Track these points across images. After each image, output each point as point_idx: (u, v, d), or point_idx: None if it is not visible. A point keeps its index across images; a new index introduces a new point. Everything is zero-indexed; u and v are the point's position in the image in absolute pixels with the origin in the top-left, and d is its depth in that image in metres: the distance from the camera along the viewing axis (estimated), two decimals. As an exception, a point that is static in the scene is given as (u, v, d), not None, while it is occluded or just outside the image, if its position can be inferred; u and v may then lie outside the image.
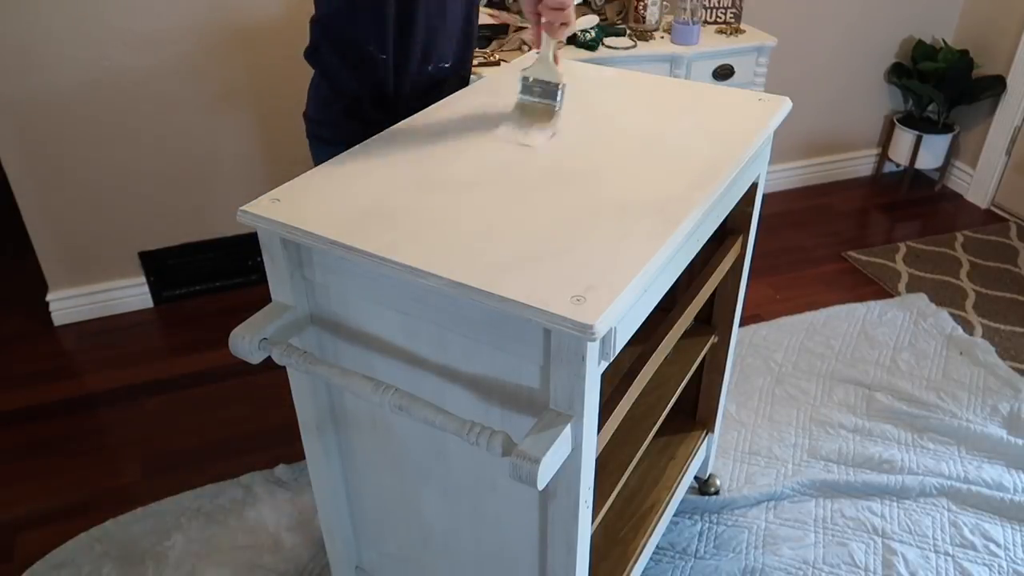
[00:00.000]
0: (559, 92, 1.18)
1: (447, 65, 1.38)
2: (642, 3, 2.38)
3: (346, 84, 1.34)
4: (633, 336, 0.97)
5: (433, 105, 1.31)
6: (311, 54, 1.36)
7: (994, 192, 3.05)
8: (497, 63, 2.12)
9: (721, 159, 1.12)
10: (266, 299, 1.07)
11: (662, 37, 2.40)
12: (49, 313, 2.43)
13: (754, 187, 1.36)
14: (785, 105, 1.30)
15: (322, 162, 1.40)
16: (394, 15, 1.26)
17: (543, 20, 1.16)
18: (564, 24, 1.15)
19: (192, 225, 2.48)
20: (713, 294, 1.53)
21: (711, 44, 2.35)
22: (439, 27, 1.33)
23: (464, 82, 1.47)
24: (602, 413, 1.02)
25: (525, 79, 1.20)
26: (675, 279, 1.07)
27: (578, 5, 2.42)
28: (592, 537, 1.10)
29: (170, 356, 2.30)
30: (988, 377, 2.18)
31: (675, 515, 1.79)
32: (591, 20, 2.37)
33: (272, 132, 2.42)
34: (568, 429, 0.87)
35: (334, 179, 1.06)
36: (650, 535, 1.49)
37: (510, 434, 0.86)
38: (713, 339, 1.56)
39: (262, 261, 1.06)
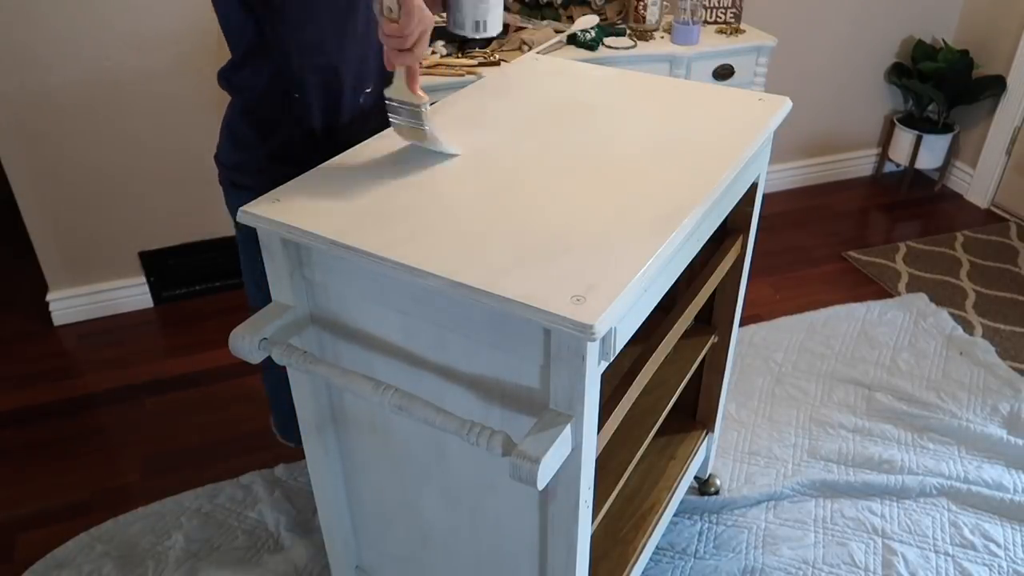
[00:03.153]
0: (421, 112, 1.10)
1: (368, 91, 1.29)
2: (642, 3, 2.38)
3: (277, 123, 1.22)
4: (633, 336, 0.97)
5: (433, 105, 1.31)
6: (231, 74, 1.22)
7: (994, 192, 3.05)
8: (497, 63, 2.12)
9: (721, 159, 1.12)
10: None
11: (662, 37, 2.40)
12: (49, 313, 2.43)
13: (754, 187, 1.36)
14: (785, 105, 1.30)
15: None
16: (311, 45, 1.17)
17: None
18: (404, 51, 1.03)
19: (192, 225, 2.48)
20: (713, 294, 1.53)
21: (711, 44, 2.35)
22: (365, 54, 1.24)
23: (383, 110, 1.35)
24: (602, 413, 1.02)
25: (389, 100, 1.12)
26: (675, 279, 1.07)
27: (578, 5, 2.42)
28: (592, 537, 1.10)
29: (170, 356, 2.30)
30: (988, 377, 2.18)
31: (675, 515, 1.79)
32: (591, 20, 2.38)
33: (272, 132, 2.42)
34: (568, 429, 0.87)
35: (334, 179, 1.06)
36: (650, 535, 1.49)
37: (510, 434, 0.86)
38: (713, 339, 1.56)
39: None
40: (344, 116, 1.26)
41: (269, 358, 1.35)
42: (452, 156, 1.13)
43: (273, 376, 1.57)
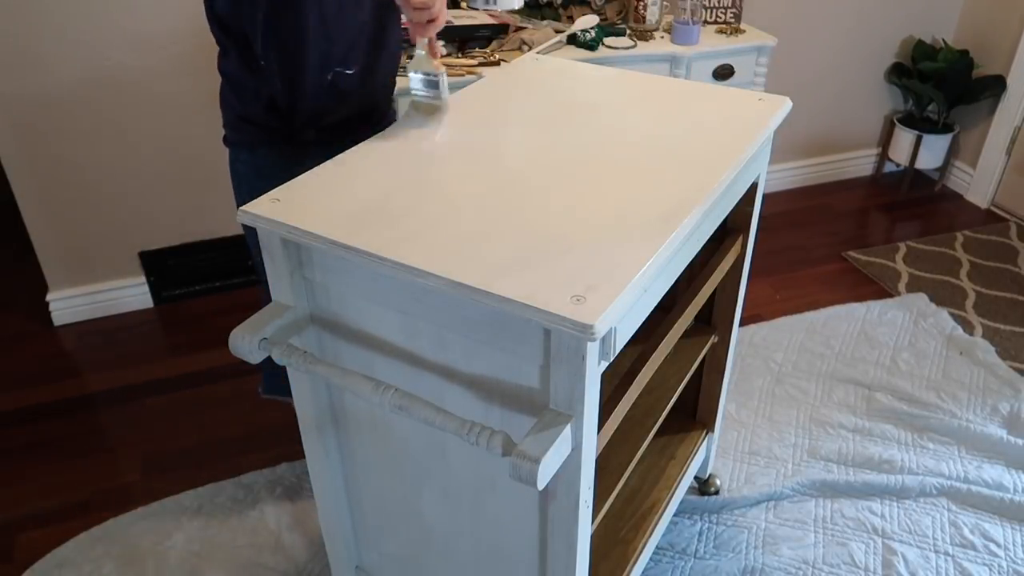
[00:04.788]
0: (440, 81, 1.23)
1: (350, 72, 1.35)
2: (642, 3, 2.38)
3: (243, 87, 1.35)
4: (633, 336, 0.97)
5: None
6: (219, 55, 1.38)
7: (994, 192, 3.05)
8: (497, 63, 2.12)
9: (721, 159, 1.12)
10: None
11: (662, 37, 2.40)
12: (49, 313, 2.43)
13: (754, 187, 1.36)
14: (785, 105, 1.30)
15: (233, 166, 1.46)
16: (269, 22, 1.25)
17: (410, 20, 1.19)
18: (431, 21, 1.17)
19: (192, 225, 2.48)
20: (713, 294, 1.53)
21: (711, 44, 2.35)
22: (335, 35, 1.30)
23: (371, 91, 1.43)
24: (602, 413, 1.02)
25: (412, 74, 1.24)
26: (675, 279, 1.07)
27: (578, 5, 2.42)
28: (592, 537, 1.10)
29: (170, 356, 2.30)
30: (988, 377, 2.18)
31: (675, 515, 1.79)
32: (591, 20, 2.38)
33: (272, 132, 2.42)
34: (568, 429, 0.87)
35: (334, 179, 1.06)
36: (650, 535, 1.49)
37: (510, 434, 0.86)
38: (713, 339, 1.56)
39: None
40: (308, 92, 1.33)
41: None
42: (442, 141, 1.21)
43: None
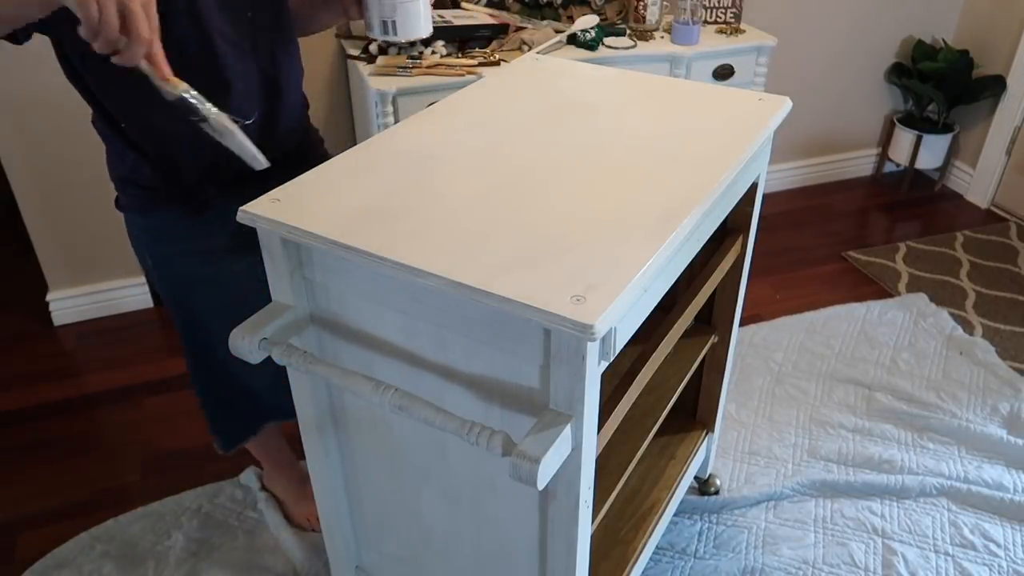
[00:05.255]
0: (192, 101, 0.96)
1: (248, 123, 1.14)
2: (642, 3, 2.38)
3: (116, 148, 1.20)
4: (633, 336, 0.97)
5: (433, 104, 1.31)
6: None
7: (994, 192, 3.05)
8: (497, 63, 2.12)
9: (721, 159, 1.12)
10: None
11: (662, 37, 2.40)
12: (49, 313, 2.43)
13: (754, 187, 1.36)
14: (785, 105, 1.29)
15: (128, 231, 1.31)
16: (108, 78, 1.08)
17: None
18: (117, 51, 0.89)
19: (192, 225, 2.48)
20: (713, 294, 1.53)
21: (711, 44, 2.35)
22: (216, 87, 1.12)
23: (277, 140, 1.25)
24: (602, 413, 1.02)
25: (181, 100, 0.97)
26: (675, 279, 1.07)
27: (578, 5, 2.42)
28: (592, 537, 1.10)
29: (170, 356, 2.30)
30: (988, 377, 2.18)
31: (675, 515, 1.79)
32: (591, 20, 2.38)
33: (272, 132, 2.41)
34: (568, 429, 0.87)
35: (334, 179, 1.06)
36: (650, 535, 1.49)
37: (510, 434, 0.86)
38: (713, 339, 1.56)
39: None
40: (184, 152, 1.18)
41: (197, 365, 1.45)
42: (257, 160, 1.02)
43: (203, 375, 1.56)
